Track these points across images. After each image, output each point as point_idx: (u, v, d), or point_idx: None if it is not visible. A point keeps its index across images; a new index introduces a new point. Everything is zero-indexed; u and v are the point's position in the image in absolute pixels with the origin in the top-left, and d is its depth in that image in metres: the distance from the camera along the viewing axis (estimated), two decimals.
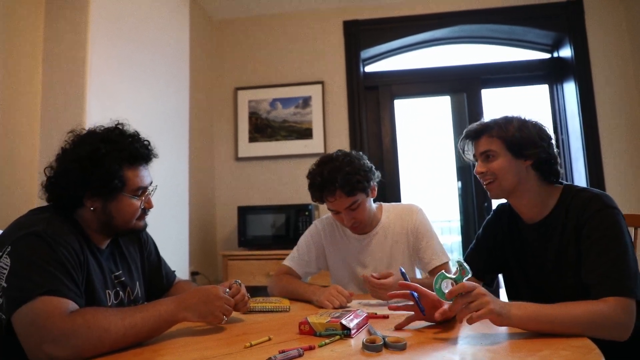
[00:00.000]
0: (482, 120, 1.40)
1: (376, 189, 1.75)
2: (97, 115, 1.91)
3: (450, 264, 1.75)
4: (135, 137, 1.25)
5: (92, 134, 1.23)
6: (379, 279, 1.49)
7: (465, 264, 1.08)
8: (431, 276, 1.73)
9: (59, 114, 1.93)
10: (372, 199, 1.76)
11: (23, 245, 1.04)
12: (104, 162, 1.16)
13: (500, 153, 1.33)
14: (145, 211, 1.28)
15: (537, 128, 1.33)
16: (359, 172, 1.63)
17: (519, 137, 1.30)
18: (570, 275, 1.25)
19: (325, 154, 1.74)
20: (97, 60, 1.99)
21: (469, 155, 1.45)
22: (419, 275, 1.85)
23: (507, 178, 1.33)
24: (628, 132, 3.22)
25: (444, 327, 1.18)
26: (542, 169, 1.33)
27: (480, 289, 1.04)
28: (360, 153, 1.73)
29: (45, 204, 1.23)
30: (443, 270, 1.14)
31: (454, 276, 1.08)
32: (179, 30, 2.77)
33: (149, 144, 1.29)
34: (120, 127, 1.26)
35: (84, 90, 1.93)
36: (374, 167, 1.73)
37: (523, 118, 1.35)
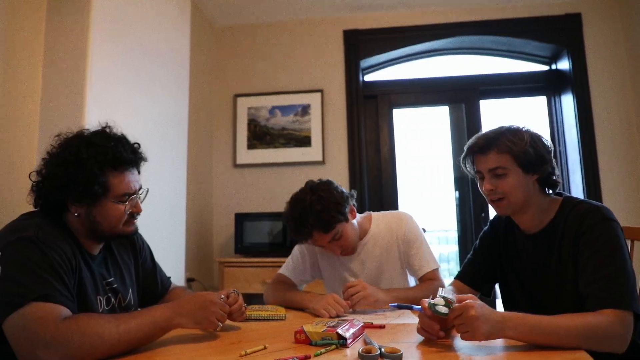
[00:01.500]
0: (484, 132, 1.35)
1: (355, 209, 1.74)
2: (96, 120, 1.89)
3: (443, 266, 1.74)
4: (120, 140, 1.21)
5: (77, 137, 1.20)
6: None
7: (448, 296, 1.07)
8: (421, 283, 1.73)
9: (58, 118, 1.92)
10: (354, 220, 1.74)
11: (14, 251, 1.03)
12: (85, 167, 1.12)
13: (511, 170, 1.28)
14: (133, 216, 1.25)
15: (542, 141, 1.31)
16: (330, 207, 1.58)
17: (532, 153, 1.26)
18: (568, 287, 1.25)
19: (295, 193, 1.68)
20: (97, 65, 1.99)
21: (472, 170, 1.39)
22: (412, 282, 1.85)
23: (517, 195, 1.29)
24: (625, 144, 3.24)
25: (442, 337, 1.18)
26: (545, 181, 1.31)
27: (473, 310, 1.01)
28: (329, 181, 1.68)
29: None
30: (430, 301, 1.11)
31: (442, 308, 1.07)
32: (180, 36, 2.78)
33: (138, 147, 1.25)
34: (107, 130, 1.23)
35: (83, 95, 1.93)
36: (345, 191, 1.68)
37: (529, 130, 1.31)
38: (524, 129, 1.31)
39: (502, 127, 1.33)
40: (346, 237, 1.66)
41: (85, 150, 1.14)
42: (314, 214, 1.57)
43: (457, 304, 1.05)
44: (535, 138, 1.30)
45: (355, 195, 1.75)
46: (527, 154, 1.27)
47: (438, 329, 1.10)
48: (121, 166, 1.18)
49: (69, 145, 1.17)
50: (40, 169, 1.18)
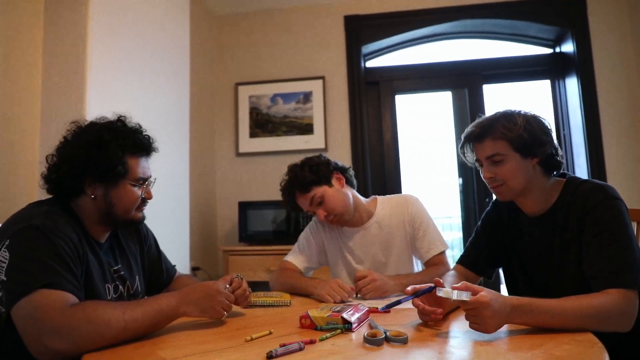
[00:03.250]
0: (480, 119, 1.34)
1: (344, 179, 1.78)
2: (96, 110, 1.90)
3: (448, 253, 1.75)
4: (137, 129, 1.28)
5: (95, 124, 1.24)
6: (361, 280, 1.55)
7: (464, 297, 1.02)
8: (428, 267, 1.73)
9: (59, 108, 1.92)
10: (346, 190, 1.77)
11: (22, 238, 1.03)
12: (109, 148, 1.17)
13: (508, 155, 1.27)
14: (144, 202, 1.28)
15: (540, 123, 1.29)
16: (304, 168, 1.72)
17: (527, 137, 1.25)
18: (571, 268, 1.24)
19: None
20: (97, 55, 1.98)
21: (471, 158, 1.40)
22: (418, 267, 1.85)
23: (517, 180, 1.29)
24: (630, 127, 3.21)
25: (446, 320, 1.18)
26: (547, 163, 1.30)
27: (488, 310, 0.98)
28: (321, 155, 1.81)
29: (44, 197, 1.22)
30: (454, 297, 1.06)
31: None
32: (180, 24, 2.76)
33: (150, 137, 1.30)
34: (123, 120, 1.28)
35: (84, 85, 1.92)
36: (335, 161, 1.79)
37: (524, 114, 1.30)
38: (518, 113, 1.30)
39: (497, 113, 1.33)
40: (330, 201, 1.70)
41: (107, 134, 1.19)
42: (293, 175, 1.73)
43: (471, 298, 1.00)
44: (530, 121, 1.28)
45: (349, 169, 1.83)
46: (522, 138, 1.26)
47: (441, 311, 1.11)
48: (139, 152, 1.25)
49: (90, 129, 1.22)
50: (56, 153, 1.21)
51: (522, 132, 1.26)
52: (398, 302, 1.19)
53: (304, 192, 1.70)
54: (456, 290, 1.03)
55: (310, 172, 1.70)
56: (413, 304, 1.14)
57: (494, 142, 1.29)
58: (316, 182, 1.70)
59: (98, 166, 1.16)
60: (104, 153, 1.16)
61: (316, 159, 1.76)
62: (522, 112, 1.31)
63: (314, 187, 1.70)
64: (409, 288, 1.16)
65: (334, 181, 1.74)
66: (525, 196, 1.33)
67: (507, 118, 1.29)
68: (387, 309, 1.23)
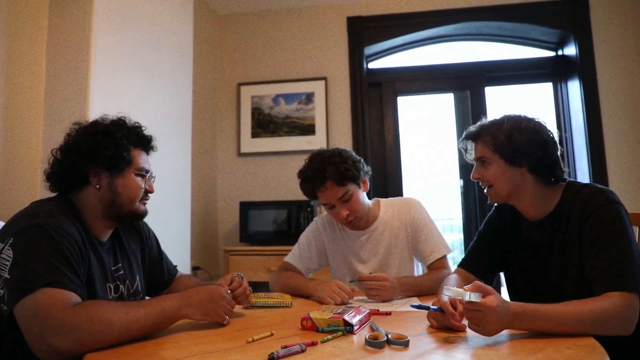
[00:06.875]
0: (482, 120, 1.38)
1: (368, 184, 1.76)
2: (100, 109, 1.90)
3: (450, 256, 1.74)
4: (138, 125, 1.32)
5: (99, 121, 1.28)
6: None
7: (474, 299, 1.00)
8: (430, 270, 1.72)
9: (63, 108, 1.93)
10: (364, 193, 1.75)
11: (25, 237, 1.03)
12: (114, 137, 1.21)
13: (493, 159, 1.31)
14: (147, 194, 1.31)
15: (532, 132, 1.27)
16: (347, 161, 1.64)
17: (508, 145, 1.27)
18: (572, 273, 1.24)
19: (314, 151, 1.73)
20: (101, 54, 1.98)
21: (471, 156, 1.43)
22: (418, 269, 1.85)
23: (501, 185, 1.31)
24: (632, 130, 3.21)
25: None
26: (540, 173, 1.29)
27: (493, 316, 0.98)
28: (348, 149, 1.74)
29: (47, 196, 1.23)
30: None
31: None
32: (183, 24, 2.76)
33: (150, 135, 1.34)
34: (124, 118, 1.31)
35: (87, 85, 1.93)
36: (363, 160, 1.74)
37: (519, 120, 1.29)
38: (510, 119, 1.30)
39: (501, 117, 1.34)
40: (356, 201, 1.67)
41: (112, 126, 1.24)
42: (332, 163, 1.62)
43: (481, 300, 0.99)
44: (522, 130, 1.27)
45: (370, 172, 1.79)
46: (504, 146, 1.28)
47: (458, 320, 1.10)
48: (141, 145, 1.30)
49: (95, 124, 1.26)
50: (62, 146, 1.23)
51: (504, 140, 1.28)
52: (427, 308, 1.15)
53: (339, 184, 1.62)
54: (468, 292, 1.01)
55: (354, 168, 1.65)
56: (450, 315, 1.11)
57: (482, 146, 1.34)
58: (354, 178, 1.65)
59: (105, 152, 1.19)
60: (111, 140, 1.21)
61: (354, 155, 1.70)
62: (520, 117, 1.31)
63: (350, 183, 1.65)
64: (445, 299, 1.12)
65: (361, 183, 1.71)
66: (517, 201, 1.34)
67: (497, 125, 1.32)
68: (417, 308, 1.16)
